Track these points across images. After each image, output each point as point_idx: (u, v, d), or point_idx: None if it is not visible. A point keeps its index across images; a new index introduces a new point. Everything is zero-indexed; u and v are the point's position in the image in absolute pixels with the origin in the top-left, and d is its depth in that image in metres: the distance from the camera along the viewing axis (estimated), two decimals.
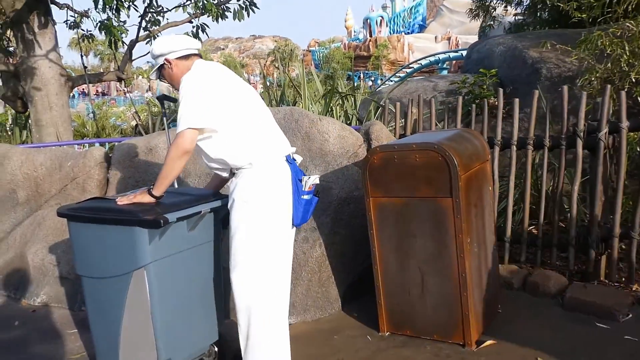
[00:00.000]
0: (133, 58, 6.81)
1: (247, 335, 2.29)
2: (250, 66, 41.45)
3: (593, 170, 3.20)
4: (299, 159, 2.45)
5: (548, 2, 6.28)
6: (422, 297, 2.74)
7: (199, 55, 2.43)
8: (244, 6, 6.33)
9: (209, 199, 2.46)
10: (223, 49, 51.66)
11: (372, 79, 30.66)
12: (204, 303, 2.49)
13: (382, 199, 2.73)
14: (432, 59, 22.31)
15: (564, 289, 3.16)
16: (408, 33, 39.78)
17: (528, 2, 8.05)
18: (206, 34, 6.62)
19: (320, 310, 3.15)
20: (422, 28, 42.19)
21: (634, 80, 3.85)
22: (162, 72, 2.44)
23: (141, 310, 2.28)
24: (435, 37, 38.77)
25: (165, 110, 2.73)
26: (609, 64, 4.10)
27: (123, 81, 6.93)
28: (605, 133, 3.11)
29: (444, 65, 21.95)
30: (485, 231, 2.90)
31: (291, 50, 35.97)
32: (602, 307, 2.92)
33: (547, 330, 2.85)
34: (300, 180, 2.32)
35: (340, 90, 5.58)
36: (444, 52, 23.74)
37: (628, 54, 3.94)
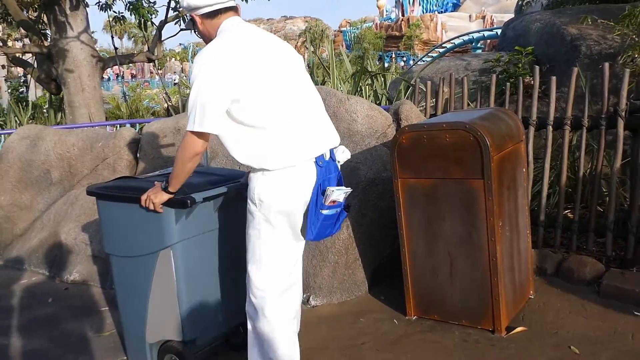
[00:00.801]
0: (163, 39, 6.82)
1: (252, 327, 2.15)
2: None
3: (634, 151, 3.04)
4: (342, 156, 2.13)
5: None
6: (450, 281, 2.67)
7: (234, 9, 2.05)
8: None
9: (235, 179, 2.43)
10: None
11: (404, 59, 30.20)
12: (231, 283, 2.48)
13: (410, 180, 2.66)
14: (465, 38, 21.76)
15: (600, 275, 3.03)
16: (441, 12, 38.93)
17: None
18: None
19: (346, 292, 3.12)
20: (455, 7, 41.19)
21: None
22: (197, 28, 2.10)
23: (168, 289, 2.29)
24: (470, 16, 37.81)
25: None
26: None
27: (154, 62, 6.96)
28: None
29: (478, 45, 21.39)
30: (518, 214, 2.80)
31: (322, 30, 35.67)
32: None
33: (581, 318, 2.75)
34: (324, 192, 1.99)
35: (369, 70, 5.47)
36: (478, 31, 23.14)
37: None
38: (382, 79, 5.18)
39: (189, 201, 2.13)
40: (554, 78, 3.28)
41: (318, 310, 3.05)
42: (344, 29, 38.98)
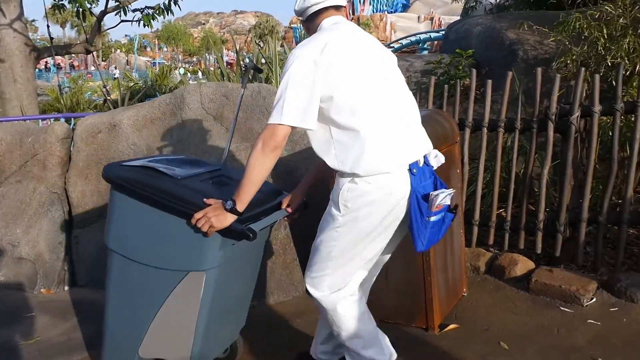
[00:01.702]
0: (103, 30, 6.58)
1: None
2: (231, 42, 40.84)
3: (564, 153, 3.16)
4: (435, 161, 1.99)
5: None
6: (385, 281, 2.68)
7: (335, 8, 1.95)
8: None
9: (275, 195, 2.23)
10: (204, 24, 50.77)
11: None
12: (245, 298, 2.40)
13: None
14: (413, 38, 22.12)
15: (530, 272, 3.15)
16: (391, 12, 39.47)
17: None
18: (179, 6, 6.42)
19: (283, 293, 3.10)
20: (405, 7, 41.86)
21: (609, 64, 3.81)
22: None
23: (186, 311, 2.04)
24: (418, 17, 38.52)
25: (246, 83, 2.38)
26: (586, 47, 4.06)
27: (92, 54, 6.69)
28: (577, 116, 3.07)
29: (425, 46, 21.80)
30: None
31: (272, 26, 35.46)
32: (566, 291, 2.92)
33: (511, 314, 2.84)
34: (426, 198, 1.85)
35: None
36: (425, 32, 23.57)
37: (605, 37, 3.90)
38: None
39: (251, 235, 1.83)
40: (489, 81, 3.37)
41: (254, 312, 3.00)
42: (295, 25, 38.86)
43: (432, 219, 1.86)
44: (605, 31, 3.88)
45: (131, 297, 2.12)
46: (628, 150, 3.11)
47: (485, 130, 3.36)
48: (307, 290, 2.03)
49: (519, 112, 3.29)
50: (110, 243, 2.11)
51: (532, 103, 3.29)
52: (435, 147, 2.52)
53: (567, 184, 3.16)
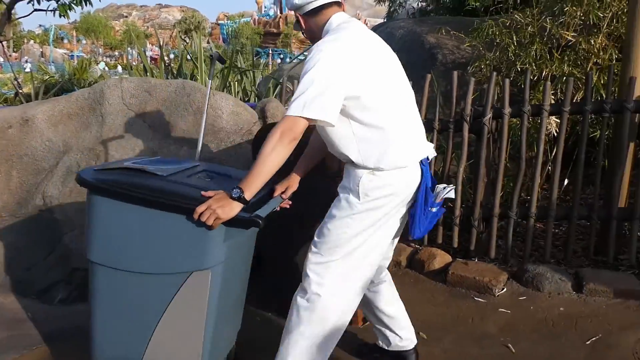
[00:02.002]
0: (15, 18, 6.18)
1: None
2: (155, 37, 39.57)
3: (477, 153, 3.35)
4: (432, 154, 2.09)
5: None
6: None
7: (337, 4, 1.95)
8: None
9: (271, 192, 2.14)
10: (126, 17, 48.77)
11: (281, 56, 30.41)
12: (241, 298, 2.28)
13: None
14: None
15: (447, 265, 3.31)
16: None
17: None
18: None
19: None
20: None
21: (519, 69, 4.07)
22: (300, 23, 2.01)
23: (192, 311, 1.87)
24: None
25: (213, 74, 2.24)
26: (498, 53, 4.31)
27: (1, 43, 6.28)
28: (489, 118, 3.26)
29: None
30: None
31: (198, 22, 34.71)
32: (480, 283, 3.10)
33: (430, 305, 2.98)
34: (432, 189, 1.98)
35: (239, 66, 5.43)
36: None
37: (515, 44, 4.16)
38: (252, 75, 5.18)
39: (260, 222, 1.72)
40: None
41: None
42: (222, 22, 38.32)
43: (433, 210, 1.99)
44: (515, 38, 4.14)
45: (125, 311, 1.90)
46: (535, 150, 3.34)
47: None
48: (303, 285, 1.98)
49: (437, 113, 3.45)
50: (94, 255, 1.89)
51: (450, 105, 3.46)
52: None
53: (481, 181, 3.35)
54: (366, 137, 1.87)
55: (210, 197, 1.72)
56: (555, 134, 3.41)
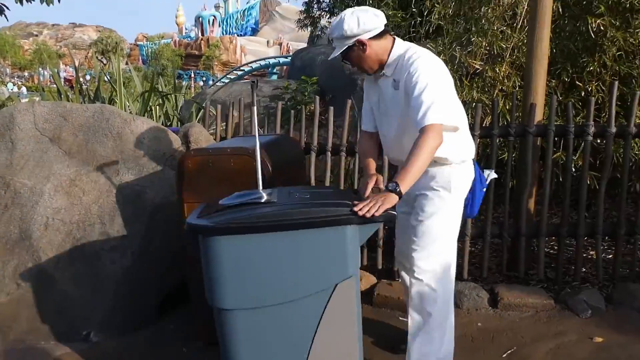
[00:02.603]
0: None
1: (423, 321, 2.26)
2: (69, 57, 37.88)
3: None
4: None
5: None
6: None
7: (389, 32, 2.20)
8: None
9: None
10: (36, 36, 46.39)
11: (204, 79, 30.11)
12: None
13: (196, 205, 2.62)
14: (262, 62, 22.62)
15: (373, 287, 3.39)
16: (241, 35, 39.88)
17: None
18: (5, 16, 5.85)
19: (132, 324, 2.95)
20: (254, 31, 42.61)
21: None
22: (347, 55, 2.15)
23: (342, 324, 1.86)
24: (268, 42, 39.49)
25: (255, 99, 2.30)
26: None
27: None
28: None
29: (274, 70, 22.43)
30: None
31: (116, 43, 33.67)
32: (404, 302, 3.17)
33: None
34: (482, 173, 2.37)
35: (160, 90, 5.33)
36: (274, 57, 24.26)
37: None
38: (174, 99, 5.10)
39: (396, 216, 1.91)
40: (331, 108, 3.60)
41: (101, 347, 2.82)
42: (141, 43, 37.42)
43: (484, 190, 2.39)
44: None
45: (273, 346, 1.84)
46: None
47: (329, 154, 3.57)
48: (413, 280, 2.24)
49: (359, 137, 3.56)
50: (228, 303, 1.80)
51: None
52: (284, 169, 2.65)
53: None
54: (451, 136, 2.16)
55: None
56: None
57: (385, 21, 2.17)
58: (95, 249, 2.93)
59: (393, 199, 1.91)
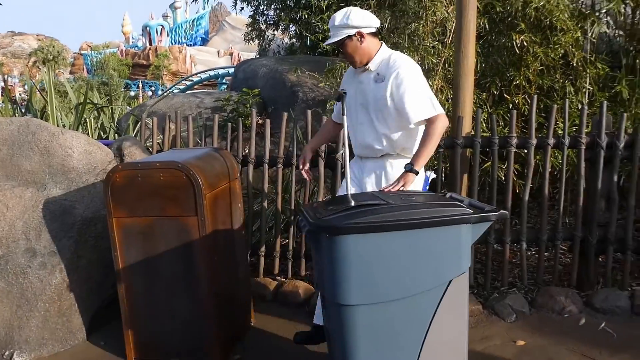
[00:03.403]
0: None
1: None
2: (8, 66, 36.32)
3: (333, 186, 3.55)
4: None
5: (304, 33, 6.86)
6: (170, 319, 2.68)
7: (380, 34, 2.47)
8: None
9: None
10: None
11: (153, 88, 29.54)
12: None
13: (126, 219, 2.61)
14: (212, 73, 22.45)
15: (311, 296, 3.42)
16: (190, 45, 39.45)
17: (294, 29, 8.66)
18: None
19: (60, 343, 2.87)
20: (204, 41, 42.24)
21: None
22: (345, 42, 2.44)
23: (455, 319, 1.99)
24: (218, 52, 39.20)
25: (344, 109, 2.44)
26: None
27: None
28: (342, 154, 3.47)
29: (224, 81, 22.28)
30: (235, 247, 2.98)
31: (58, 52, 32.56)
32: None
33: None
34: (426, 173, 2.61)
35: (94, 102, 5.19)
36: (224, 68, 24.11)
37: None
38: (110, 111, 4.98)
39: (507, 212, 2.04)
40: (268, 121, 3.63)
41: None
42: (85, 52, 36.37)
43: (427, 188, 2.65)
44: None
45: (387, 340, 1.96)
46: None
47: (266, 166, 3.59)
48: None
49: (294, 149, 3.60)
50: (352, 299, 1.91)
51: (306, 141, 3.63)
52: (214, 183, 2.66)
53: None
54: (417, 132, 2.50)
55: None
56: None
57: (379, 24, 2.52)
58: (21, 266, 2.83)
59: (411, 177, 2.34)
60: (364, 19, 2.44)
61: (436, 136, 2.37)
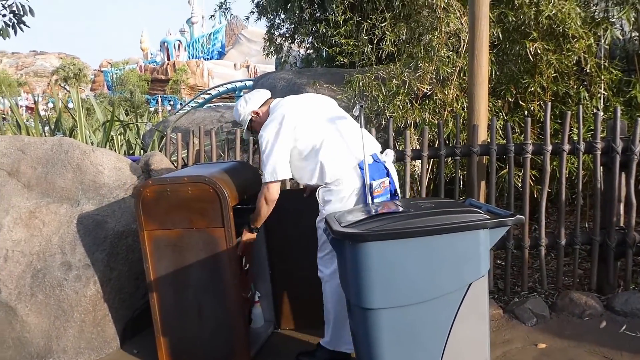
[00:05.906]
0: None
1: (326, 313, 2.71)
2: (31, 85, 37.23)
3: None
4: (387, 157, 2.74)
5: (322, 47, 6.99)
6: (199, 326, 2.80)
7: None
8: (10, 24, 5.74)
9: None
10: None
11: (171, 103, 30.02)
12: None
13: (156, 232, 2.73)
14: (229, 86, 22.75)
15: None
16: (207, 59, 40.01)
17: (310, 41, 8.81)
18: None
19: (95, 351, 3.00)
20: (221, 55, 42.80)
21: (389, 117, 4.48)
22: (252, 124, 2.84)
23: (475, 321, 2.03)
24: (235, 65, 39.70)
25: (363, 123, 2.67)
26: (369, 103, 4.71)
27: None
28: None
29: (241, 93, 22.58)
30: (263, 256, 3.09)
31: (79, 69, 33.31)
32: None
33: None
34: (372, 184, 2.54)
35: (121, 119, 5.37)
36: (241, 80, 24.43)
37: (384, 94, 4.58)
38: (136, 128, 5.15)
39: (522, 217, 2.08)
40: None
41: None
42: (105, 69, 37.15)
43: (379, 200, 2.55)
44: (383, 90, 4.57)
45: (410, 342, 2.02)
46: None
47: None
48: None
49: None
50: (375, 303, 1.97)
51: None
52: (239, 195, 2.76)
53: None
54: (311, 171, 2.62)
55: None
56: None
57: (269, 95, 2.89)
58: (57, 279, 2.98)
59: (248, 235, 2.77)
60: (253, 101, 2.83)
61: (264, 207, 2.65)
